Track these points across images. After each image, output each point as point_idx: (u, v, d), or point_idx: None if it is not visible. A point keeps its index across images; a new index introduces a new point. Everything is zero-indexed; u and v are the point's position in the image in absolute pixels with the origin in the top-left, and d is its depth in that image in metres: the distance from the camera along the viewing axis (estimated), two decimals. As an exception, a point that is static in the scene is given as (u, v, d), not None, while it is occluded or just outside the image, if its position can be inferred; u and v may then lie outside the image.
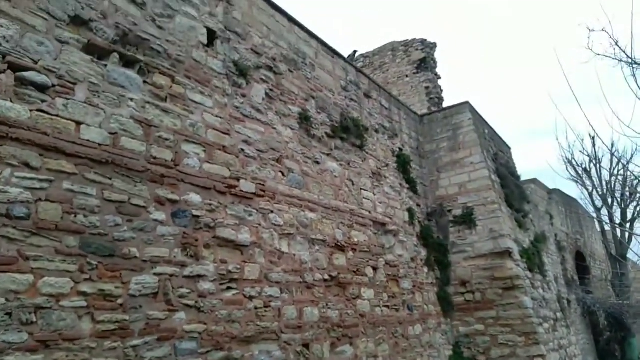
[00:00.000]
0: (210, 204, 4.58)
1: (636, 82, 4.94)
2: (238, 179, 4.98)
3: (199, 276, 4.25)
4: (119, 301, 3.59)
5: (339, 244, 6.18)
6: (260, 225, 5.10)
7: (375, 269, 6.82)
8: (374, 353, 6.14)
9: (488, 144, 9.72)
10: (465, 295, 8.49)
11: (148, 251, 3.89)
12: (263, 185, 5.28)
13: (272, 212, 5.32)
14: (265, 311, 4.79)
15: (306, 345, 5.13)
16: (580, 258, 19.01)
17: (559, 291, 11.12)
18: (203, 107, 4.78)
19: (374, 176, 7.60)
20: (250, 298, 4.68)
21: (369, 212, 7.13)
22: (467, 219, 8.74)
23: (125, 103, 4.05)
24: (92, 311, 3.41)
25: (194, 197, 4.44)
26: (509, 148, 11.29)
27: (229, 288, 4.49)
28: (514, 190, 9.78)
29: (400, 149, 8.71)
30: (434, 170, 9.44)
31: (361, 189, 7.15)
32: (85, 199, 3.56)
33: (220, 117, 4.95)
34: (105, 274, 3.56)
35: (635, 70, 4.99)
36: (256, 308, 4.70)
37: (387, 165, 8.09)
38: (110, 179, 3.77)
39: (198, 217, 4.42)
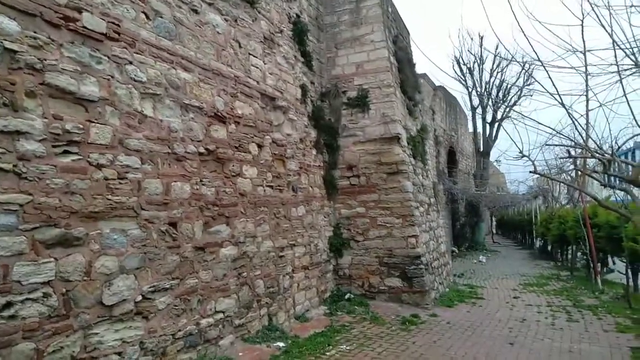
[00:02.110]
0: (36, 38, 3.32)
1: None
2: (80, 10, 3.68)
3: (19, 133, 3.14)
4: None
5: (219, 114, 5.29)
6: (113, 77, 3.97)
7: (260, 146, 6.14)
8: (253, 233, 5.72)
9: (390, 24, 9.07)
10: (350, 179, 8.37)
11: None
12: (118, 25, 4.03)
13: (130, 63, 4.16)
14: (120, 183, 3.90)
15: (173, 224, 4.43)
16: (451, 153, 20.59)
17: (435, 182, 11.75)
18: None
19: (266, 42, 6.58)
20: (99, 166, 3.73)
21: (257, 83, 6.24)
22: (361, 102, 8.31)
23: None
24: None
25: (8, 24, 3.13)
26: (409, 33, 10.82)
27: (66, 152, 3.46)
28: (409, 77, 9.49)
29: (298, 16, 7.66)
30: (332, 46, 8.63)
31: (249, 53, 6.14)
32: None
33: None
34: None
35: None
36: (107, 179, 3.78)
37: (281, 31, 7.06)
38: None
39: (15, 52, 3.17)
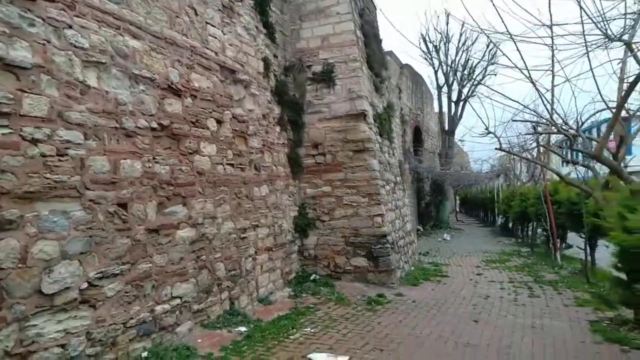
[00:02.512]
0: (-50, -7, 2.88)
1: None
2: (4, -38, 3.23)
3: None
4: None
5: (173, 86, 4.92)
6: (49, 42, 3.55)
7: (220, 122, 5.81)
8: (213, 214, 5.43)
9: (356, -4, 8.76)
10: (316, 158, 8.14)
11: None
12: (53, -17, 3.59)
13: (70, 27, 3.74)
14: (60, 161, 3.53)
15: (123, 205, 4.09)
16: (417, 132, 20.66)
17: (401, 160, 11.68)
18: None
19: (225, 10, 6.17)
20: (34, 142, 3.34)
21: (216, 54, 5.86)
22: (326, 77, 8.04)
23: None
24: None
25: None
26: (375, 7, 10.53)
27: (-8, 125, 3.07)
28: (376, 52, 9.26)
29: (259, -16, 7.25)
30: (296, 17, 8.26)
31: (207, 22, 5.73)
32: None
33: None
34: None
35: None
36: (44, 156, 3.41)
37: (241, 0, 6.65)
38: None
39: None
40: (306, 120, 8.16)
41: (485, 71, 22.01)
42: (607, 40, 4.40)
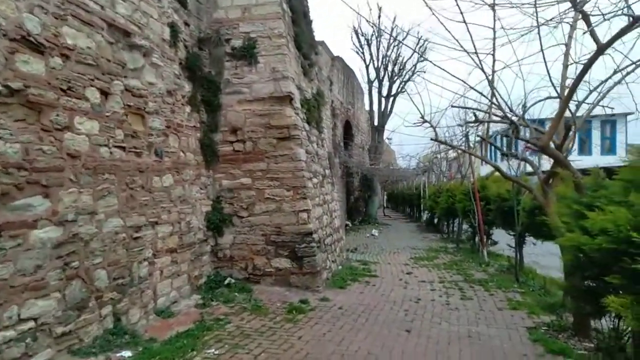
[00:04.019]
0: None
1: None
2: None
3: None
4: None
5: (32, 39, 3.69)
6: None
7: (106, 93, 4.63)
8: (92, 209, 4.27)
9: (284, -35, 7.82)
10: (234, 145, 7.13)
11: None
12: None
13: None
14: None
15: None
16: (347, 127, 20.19)
17: (330, 152, 10.95)
18: None
19: (117, -44, 4.97)
20: None
21: (102, 8, 4.65)
22: (247, 53, 7.03)
23: None
24: None
25: None
26: (305, -16, 9.65)
27: None
28: (305, 32, 8.40)
29: None
30: (213, -18, 7.16)
31: (89, -35, 4.52)
32: None
33: None
34: None
35: None
36: None
37: (141, -52, 5.47)
38: None
39: None
40: (224, 101, 7.10)
41: (415, 67, 22.07)
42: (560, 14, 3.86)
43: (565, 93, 4.53)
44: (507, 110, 4.51)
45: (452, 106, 5.08)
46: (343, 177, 19.21)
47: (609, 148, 24.64)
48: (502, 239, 10.72)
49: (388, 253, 11.76)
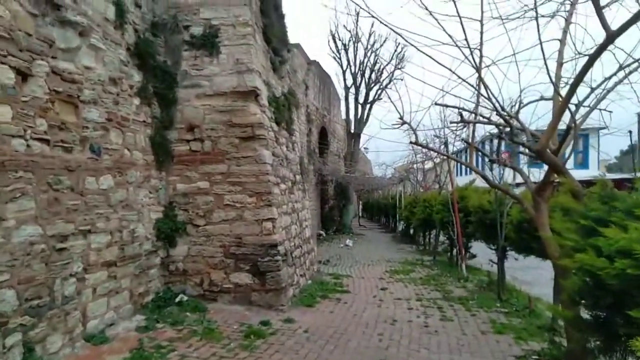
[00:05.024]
0: None
1: None
2: None
3: None
4: None
5: None
6: None
7: (24, 74, 3.82)
8: (-6, 214, 3.44)
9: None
10: (191, 144, 6.35)
11: None
12: None
13: None
14: None
15: None
16: (323, 134, 19.57)
17: (302, 156, 10.25)
18: None
19: None
20: None
21: (24, -28, 3.86)
22: (208, 42, 6.29)
23: None
24: None
25: None
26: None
27: None
28: (275, 25, 7.71)
29: None
30: (171, -39, 6.42)
31: None
32: None
33: None
34: None
35: None
36: None
37: None
38: None
39: None
40: (180, 95, 6.33)
41: (393, 75, 21.68)
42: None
43: (563, 93, 3.96)
44: (499, 108, 3.92)
45: (436, 104, 4.45)
46: (317, 185, 18.54)
47: (581, 162, 24.76)
48: (481, 252, 10.22)
49: (362, 265, 11.09)
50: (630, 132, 10.93)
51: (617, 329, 2.80)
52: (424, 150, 16.93)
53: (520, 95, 4.00)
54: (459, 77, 3.93)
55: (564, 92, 4.16)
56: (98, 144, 4.77)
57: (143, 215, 5.62)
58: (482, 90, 4.36)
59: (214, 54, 6.29)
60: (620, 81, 4.15)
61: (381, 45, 21.02)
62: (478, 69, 3.98)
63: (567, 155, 4.21)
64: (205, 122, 6.30)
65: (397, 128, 5.78)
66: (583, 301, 3.01)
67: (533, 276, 10.19)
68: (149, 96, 5.89)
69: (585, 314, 3.10)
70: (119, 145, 5.17)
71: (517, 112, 3.98)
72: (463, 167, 32.90)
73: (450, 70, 3.88)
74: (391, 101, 5.29)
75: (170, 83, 6.22)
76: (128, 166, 5.34)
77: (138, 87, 5.67)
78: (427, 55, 3.63)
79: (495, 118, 4.61)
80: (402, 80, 21.55)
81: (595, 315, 3.03)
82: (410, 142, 5.86)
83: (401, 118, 5.59)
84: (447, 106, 4.47)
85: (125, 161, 5.29)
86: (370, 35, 22.39)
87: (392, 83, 21.33)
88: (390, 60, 21.01)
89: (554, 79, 4.43)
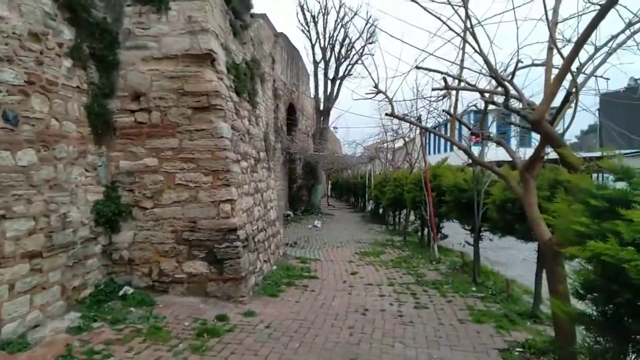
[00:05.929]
0: None
1: None
2: None
3: None
4: None
5: None
6: None
7: None
8: None
9: None
10: (136, 115, 5.55)
11: None
12: None
13: None
14: None
15: None
16: (291, 110, 18.78)
17: (267, 132, 9.52)
18: None
19: None
20: None
21: None
22: (155, -3, 5.45)
23: None
24: None
25: None
26: None
27: None
28: (235, -18, 6.88)
29: None
30: None
31: None
32: None
33: None
34: None
35: None
36: None
37: None
38: None
39: None
40: (123, 58, 5.49)
41: (363, 50, 20.97)
42: None
43: (564, 53, 3.43)
44: (492, 67, 3.36)
45: (417, 67, 3.85)
46: (285, 164, 17.85)
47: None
48: (452, 232, 9.89)
49: (331, 247, 10.59)
50: (599, 110, 10.74)
51: (635, 328, 2.34)
52: (394, 128, 16.59)
53: (517, 53, 3.43)
54: (448, 28, 3.32)
55: (558, 57, 3.66)
56: (14, 111, 3.95)
57: (77, 197, 4.83)
58: (469, 49, 3.79)
59: (162, 9, 5.46)
60: (624, 42, 3.67)
61: (351, 19, 20.14)
62: (465, 24, 3.39)
63: (566, 125, 3.70)
64: (152, 89, 5.50)
65: (372, 98, 5.19)
66: (590, 295, 2.54)
67: (505, 257, 9.98)
68: (83, 58, 5.03)
69: (581, 309, 2.63)
70: (44, 114, 4.34)
71: (512, 75, 3.44)
72: (434, 145, 32.78)
73: (439, 19, 3.27)
74: (365, 67, 4.67)
75: (111, 43, 5.36)
76: (57, 139, 4.52)
77: (69, 46, 4.81)
78: (403, 21, 3.00)
79: (482, 85, 4.06)
80: (372, 55, 20.90)
81: (602, 311, 2.56)
82: (386, 114, 5.26)
83: (376, 86, 4.98)
84: (430, 70, 3.87)
85: (53, 133, 4.47)
86: (340, 7, 21.48)
87: (363, 58, 20.65)
88: (361, 34, 20.25)
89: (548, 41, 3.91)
